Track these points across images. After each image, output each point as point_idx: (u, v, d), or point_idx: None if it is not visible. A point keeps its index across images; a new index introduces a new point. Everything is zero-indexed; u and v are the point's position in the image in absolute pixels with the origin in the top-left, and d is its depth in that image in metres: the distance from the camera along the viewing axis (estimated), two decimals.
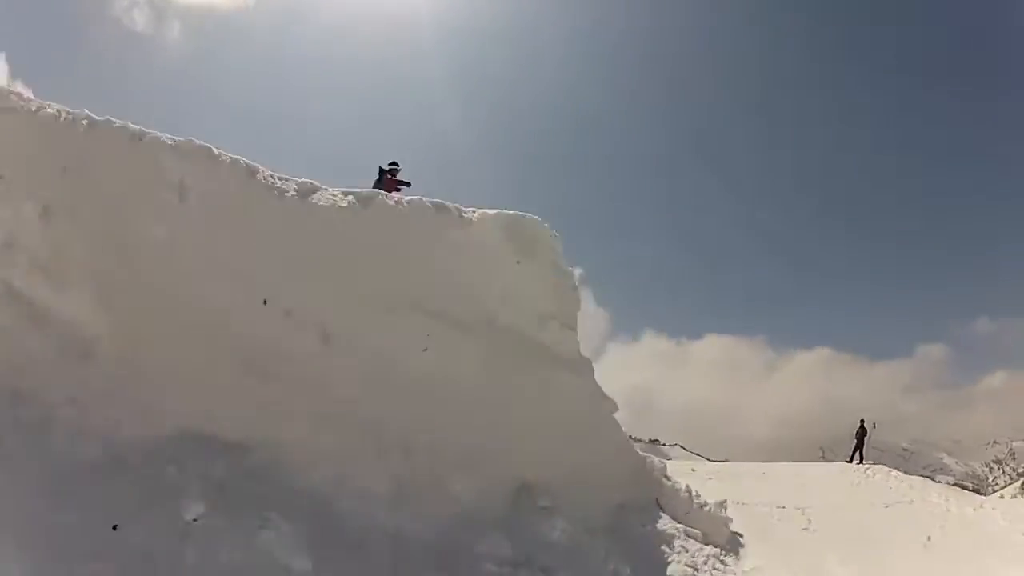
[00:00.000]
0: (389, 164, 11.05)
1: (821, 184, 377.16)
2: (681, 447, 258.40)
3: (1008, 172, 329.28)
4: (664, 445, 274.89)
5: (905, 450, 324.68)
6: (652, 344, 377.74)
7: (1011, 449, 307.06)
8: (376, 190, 8.95)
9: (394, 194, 9.03)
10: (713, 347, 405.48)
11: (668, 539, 8.99)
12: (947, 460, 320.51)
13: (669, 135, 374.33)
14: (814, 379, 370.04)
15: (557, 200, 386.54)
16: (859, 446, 21.13)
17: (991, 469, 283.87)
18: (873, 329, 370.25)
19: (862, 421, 21.59)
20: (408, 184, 10.90)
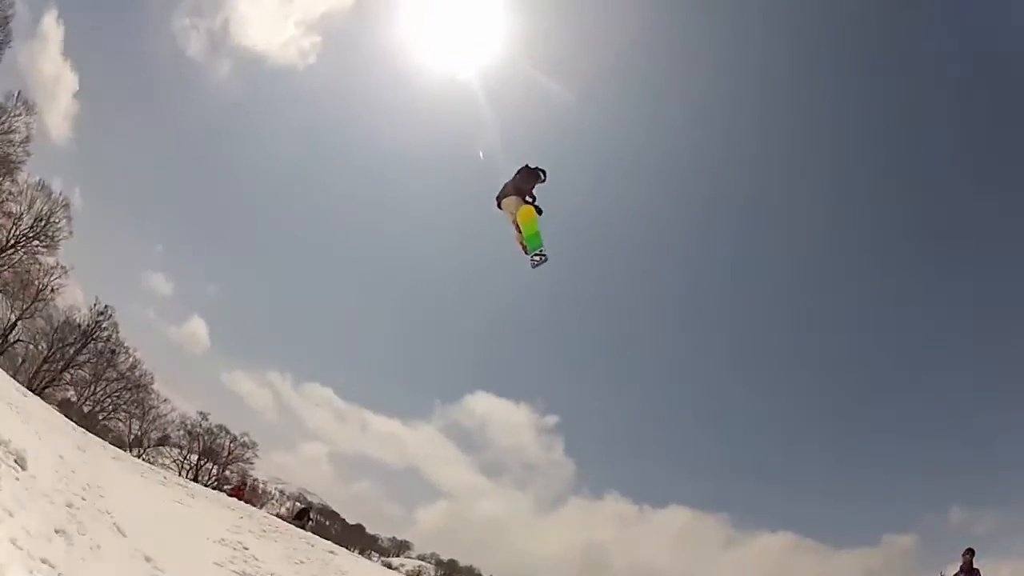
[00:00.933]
0: (538, 168, 10.19)
1: (808, 363, 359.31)
2: None
3: (984, 364, 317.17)
4: None
5: None
6: (614, 505, 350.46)
7: None
8: None
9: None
10: (675, 517, 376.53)
11: None
12: None
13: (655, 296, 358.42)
14: (772, 562, 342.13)
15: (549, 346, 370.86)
16: None
17: None
18: (840, 517, 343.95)
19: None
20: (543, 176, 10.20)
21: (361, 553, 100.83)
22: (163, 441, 54.45)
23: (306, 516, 29.59)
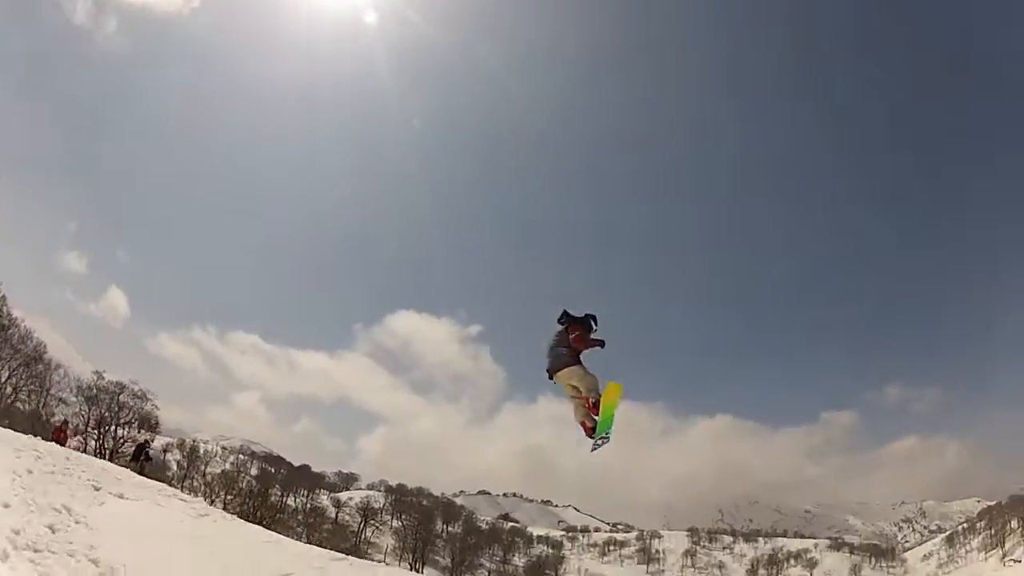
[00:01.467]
0: (586, 314, 8.19)
1: (729, 250, 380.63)
2: (575, 509, 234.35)
3: (918, 247, 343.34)
4: (557, 506, 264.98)
5: (808, 512, 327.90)
6: (549, 406, 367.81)
7: (921, 508, 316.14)
8: None
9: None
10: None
11: None
12: (852, 521, 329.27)
13: (587, 202, 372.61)
14: (713, 445, 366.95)
15: (461, 256, 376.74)
16: None
17: (900, 528, 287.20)
18: (779, 398, 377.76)
19: None
20: (602, 344, 8.19)
21: (310, 492, 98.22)
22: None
23: (142, 453, 27.69)
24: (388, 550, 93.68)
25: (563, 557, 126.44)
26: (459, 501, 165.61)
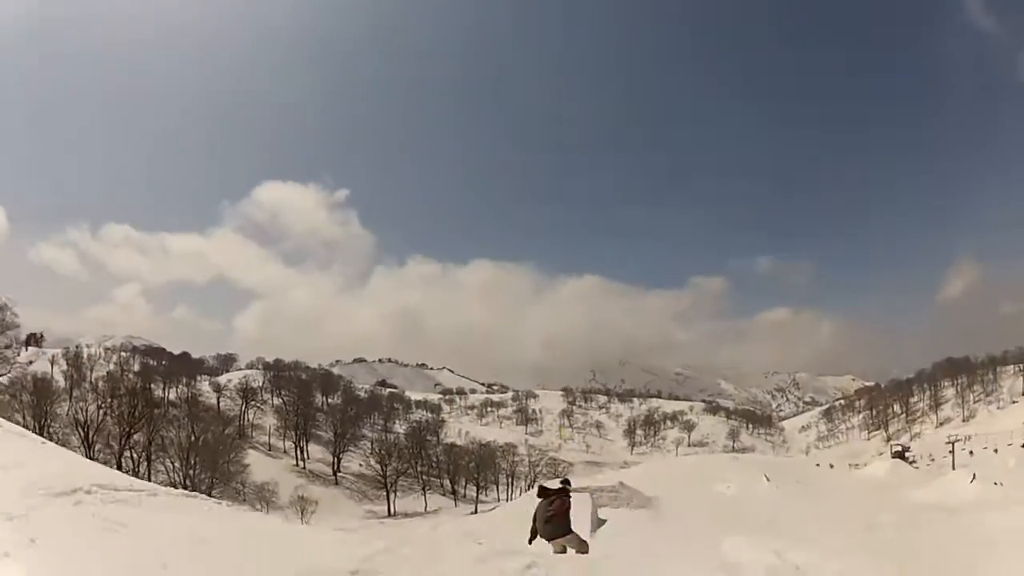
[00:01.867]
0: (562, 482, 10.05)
1: (604, 109, 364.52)
2: (449, 371, 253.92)
3: (802, 119, 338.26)
4: (432, 369, 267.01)
5: (679, 374, 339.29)
6: (419, 268, 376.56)
7: (794, 379, 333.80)
8: None
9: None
10: (481, 271, 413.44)
11: None
12: (725, 386, 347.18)
13: (448, 57, 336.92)
14: (583, 305, 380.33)
15: (326, 120, 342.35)
16: None
17: (773, 396, 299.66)
18: (649, 260, 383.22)
19: None
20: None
21: (190, 380, 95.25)
22: None
23: None
24: (271, 430, 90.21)
25: (443, 421, 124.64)
26: (336, 371, 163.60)
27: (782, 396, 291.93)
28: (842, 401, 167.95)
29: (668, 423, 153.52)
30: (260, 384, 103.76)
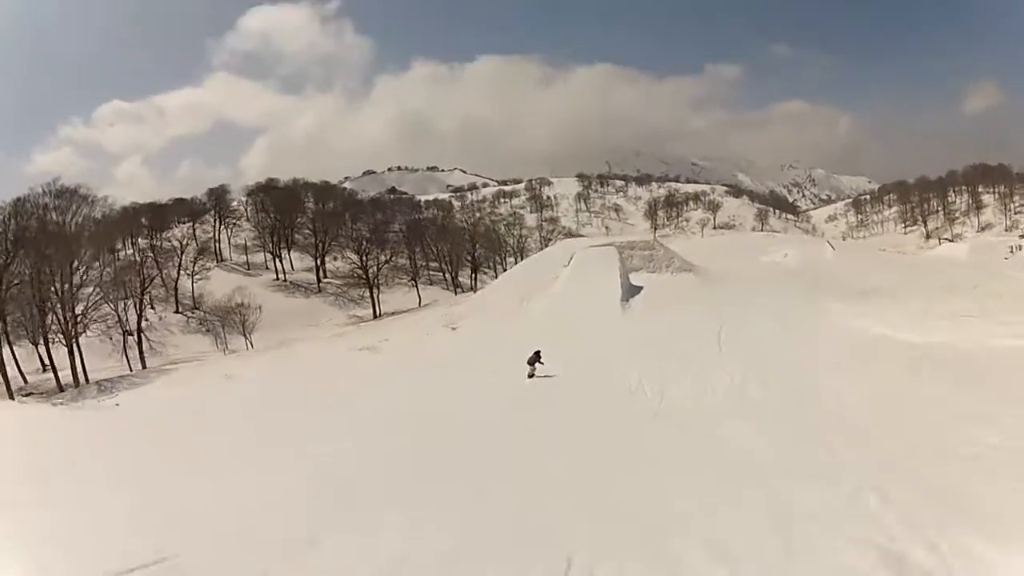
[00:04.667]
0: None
1: None
2: (461, 171, 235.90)
3: None
4: (443, 171, 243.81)
5: (695, 164, 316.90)
6: (423, 71, 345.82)
7: (810, 175, 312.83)
8: None
9: None
10: (487, 67, 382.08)
11: None
12: (741, 177, 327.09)
13: None
14: (595, 93, 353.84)
15: None
16: None
17: (789, 191, 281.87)
18: (660, 45, 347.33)
19: None
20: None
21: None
22: None
23: None
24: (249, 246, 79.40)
25: (453, 217, 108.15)
26: (347, 187, 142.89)
27: (798, 191, 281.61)
28: (867, 195, 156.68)
29: (691, 204, 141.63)
30: (241, 204, 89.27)
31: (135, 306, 49.69)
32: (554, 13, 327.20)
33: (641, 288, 31.95)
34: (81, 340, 39.99)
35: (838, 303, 25.06)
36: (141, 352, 46.82)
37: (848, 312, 22.87)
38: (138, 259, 63.54)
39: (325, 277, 71.20)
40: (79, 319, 40.39)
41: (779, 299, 27.72)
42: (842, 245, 75.43)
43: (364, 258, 61.47)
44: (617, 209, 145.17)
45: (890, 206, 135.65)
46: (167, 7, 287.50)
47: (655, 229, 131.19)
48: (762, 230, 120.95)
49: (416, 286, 64.49)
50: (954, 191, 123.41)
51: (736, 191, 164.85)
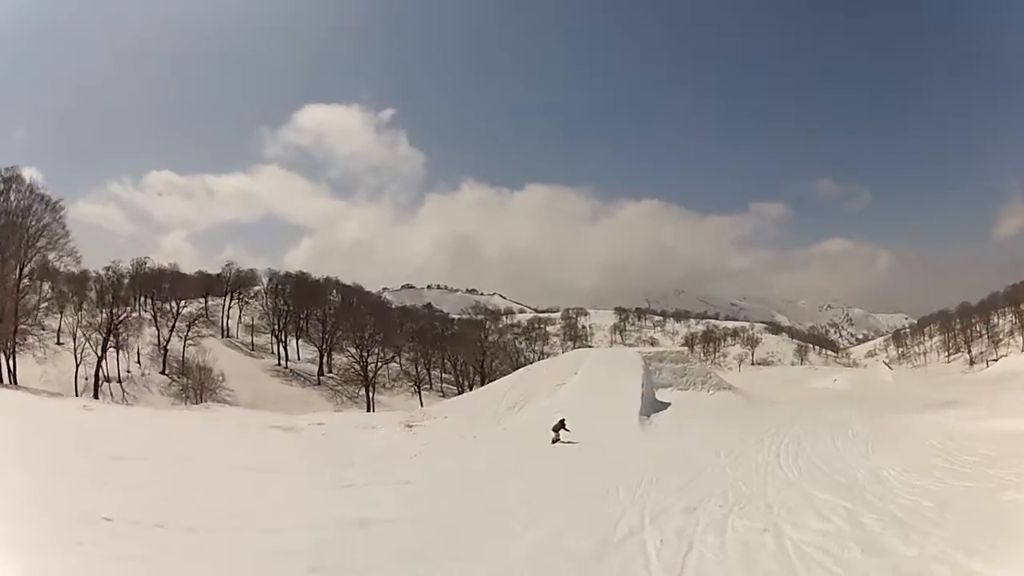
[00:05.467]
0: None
1: (655, 36, 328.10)
2: (500, 296, 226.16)
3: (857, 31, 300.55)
4: (483, 295, 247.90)
5: (734, 305, 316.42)
6: (472, 193, 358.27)
7: (848, 314, 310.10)
8: None
9: None
10: (535, 196, 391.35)
11: None
12: (779, 318, 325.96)
13: None
14: (641, 230, 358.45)
15: (364, 33, 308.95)
16: None
17: (827, 332, 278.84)
18: (707, 181, 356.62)
19: None
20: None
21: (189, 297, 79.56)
22: None
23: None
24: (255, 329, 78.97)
25: (484, 333, 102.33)
26: (385, 297, 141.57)
27: (836, 331, 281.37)
28: (907, 328, 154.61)
29: (729, 340, 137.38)
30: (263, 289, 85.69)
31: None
32: (603, 147, 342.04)
33: (668, 405, 26.07)
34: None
35: (929, 413, 20.51)
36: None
37: (961, 416, 18.70)
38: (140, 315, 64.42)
39: (329, 372, 66.96)
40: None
41: (849, 415, 22.97)
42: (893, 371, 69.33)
43: (364, 353, 57.27)
44: (653, 342, 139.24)
45: (931, 336, 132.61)
46: (226, 90, 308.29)
47: None
48: (801, 364, 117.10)
49: (419, 392, 59.12)
50: (997, 313, 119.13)
51: (775, 328, 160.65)
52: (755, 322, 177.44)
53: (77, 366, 47.16)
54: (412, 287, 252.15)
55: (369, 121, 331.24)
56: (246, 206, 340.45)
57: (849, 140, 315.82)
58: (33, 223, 43.18)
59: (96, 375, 47.79)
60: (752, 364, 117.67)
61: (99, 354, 48.56)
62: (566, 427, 19.60)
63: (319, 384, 64.08)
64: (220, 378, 54.15)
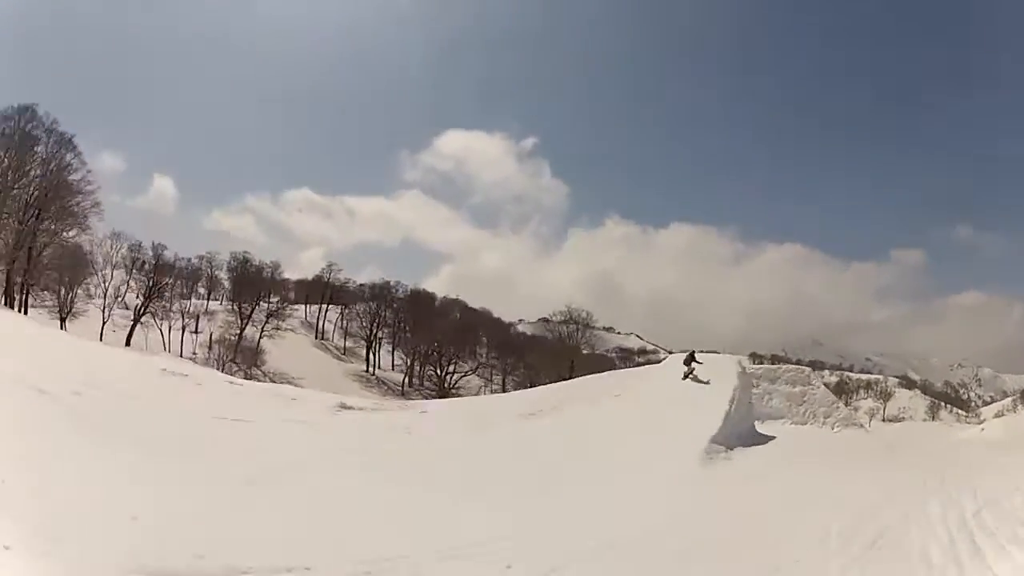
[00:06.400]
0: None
1: (800, 76, 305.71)
2: (637, 336, 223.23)
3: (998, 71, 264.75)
4: (619, 333, 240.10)
5: (868, 360, 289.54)
6: (616, 230, 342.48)
7: (977, 375, 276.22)
8: None
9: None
10: (679, 235, 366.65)
11: None
12: (912, 375, 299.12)
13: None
14: (781, 276, 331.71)
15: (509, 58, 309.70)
16: None
17: (956, 391, 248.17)
18: (848, 229, 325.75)
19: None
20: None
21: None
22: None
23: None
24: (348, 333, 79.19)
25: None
26: (520, 329, 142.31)
27: (964, 392, 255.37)
28: None
29: (862, 392, 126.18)
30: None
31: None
32: (750, 186, 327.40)
33: (770, 439, 19.76)
34: None
35: None
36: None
37: None
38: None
39: (420, 383, 66.83)
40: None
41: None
42: None
43: (442, 361, 56.06)
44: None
45: None
46: (368, 113, 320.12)
47: None
48: (933, 422, 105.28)
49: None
50: None
51: (908, 382, 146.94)
52: (889, 376, 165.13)
53: (103, 323, 50.76)
54: (548, 320, 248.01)
55: (511, 149, 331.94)
56: (387, 229, 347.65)
57: (987, 181, 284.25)
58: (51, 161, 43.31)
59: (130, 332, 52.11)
60: (883, 420, 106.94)
61: (136, 315, 53.62)
62: (697, 359, 19.65)
63: (403, 394, 63.06)
64: (297, 378, 52.78)
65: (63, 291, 48.84)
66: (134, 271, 59.48)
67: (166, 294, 60.97)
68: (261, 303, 68.29)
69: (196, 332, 63.14)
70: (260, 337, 62.72)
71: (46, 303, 48.62)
